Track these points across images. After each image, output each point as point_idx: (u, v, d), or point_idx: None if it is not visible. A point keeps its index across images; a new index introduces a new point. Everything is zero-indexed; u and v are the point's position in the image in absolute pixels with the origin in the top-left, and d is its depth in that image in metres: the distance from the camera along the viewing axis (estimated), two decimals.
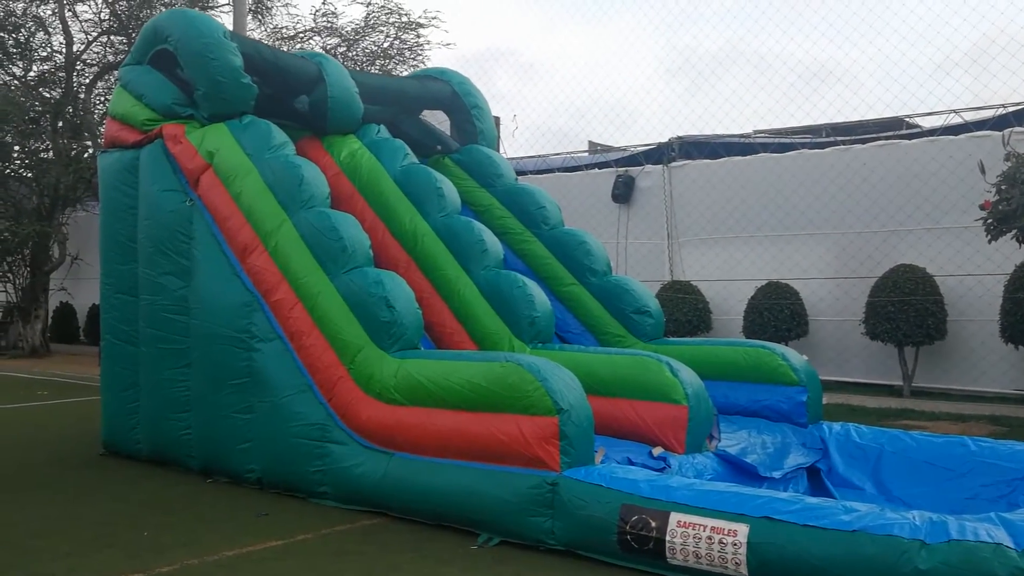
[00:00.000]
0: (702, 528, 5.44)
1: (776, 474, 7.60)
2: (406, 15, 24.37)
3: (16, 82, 23.60)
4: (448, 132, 11.32)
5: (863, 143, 15.38)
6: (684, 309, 16.13)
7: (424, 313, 8.62)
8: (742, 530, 5.31)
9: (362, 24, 24.42)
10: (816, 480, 7.95)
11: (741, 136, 17.49)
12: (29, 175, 23.16)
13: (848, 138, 15.93)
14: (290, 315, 7.61)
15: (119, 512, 7.07)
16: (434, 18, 25.34)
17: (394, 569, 5.74)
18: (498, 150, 22.49)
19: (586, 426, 6.26)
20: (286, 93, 9.69)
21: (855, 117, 16.86)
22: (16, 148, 22.91)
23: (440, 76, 11.27)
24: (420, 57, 24.55)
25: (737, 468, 7.37)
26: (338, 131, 9.56)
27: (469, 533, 6.42)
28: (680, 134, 17.96)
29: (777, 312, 15.05)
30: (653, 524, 5.61)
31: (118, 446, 9.21)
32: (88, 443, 9.68)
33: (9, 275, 22.88)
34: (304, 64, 9.57)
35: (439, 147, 10.93)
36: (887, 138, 15.11)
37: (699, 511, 5.49)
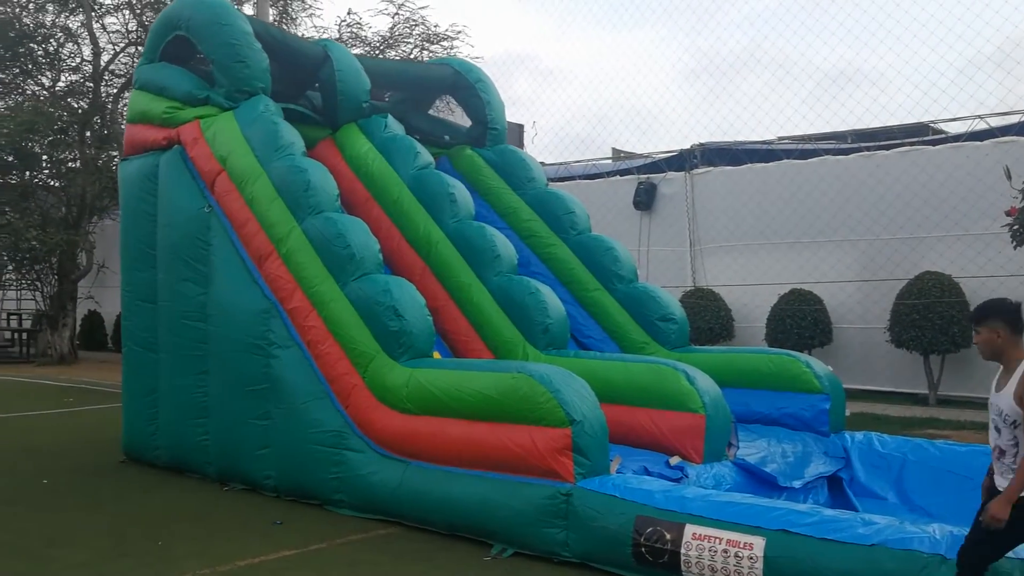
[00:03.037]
0: (718, 541, 5.35)
1: (796, 483, 7.49)
2: (433, 27, 24.42)
3: (45, 92, 23.87)
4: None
5: (887, 149, 15.19)
6: (706, 316, 15.99)
7: (439, 320, 8.62)
8: (758, 543, 5.22)
9: (388, 35, 24.49)
10: (838, 490, 7.83)
11: (764, 142, 17.33)
12: (57, 184, 23.40)
13: (872, 144, 15.75)
14: (305, 323, 7.60)
15: (135, 521, 7.07)
16: (460, 32, 25.35)
17: None
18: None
19: (600, 436, 6.19)
20: (295, 73, 9.74)
21: (880, 122, 16.64)
22: (44, 158, 23.15)
23: (442, 62, 11.44)
24: None
25: (756, 478, 7.27)
26: (348, 109, 9.53)
27: (483, 544, 6.37)
28: (702, 140, 17.84)
29: (800, 319, 14.89)
30: (668, 536, 5.53)
31: (138, 453, 9.24)
32: (109, 450, 9.71)
33: (37, 283, 23.11)
34: (310, 45, 9.82)
35: (447, 136, 10.95)
36: (911, 144, 14.91)
37: (715, 523, 5.41)
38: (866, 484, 7.83)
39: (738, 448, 7.47)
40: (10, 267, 23.77)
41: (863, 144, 15.91)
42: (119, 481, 8.58)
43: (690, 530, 5.47)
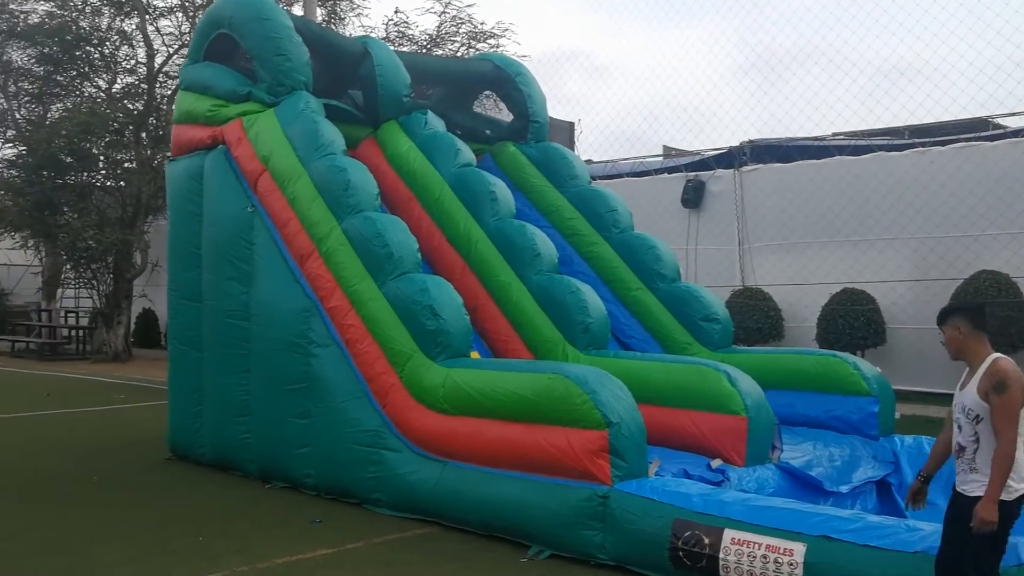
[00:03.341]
0: (757, 546, 5.24)
1: (843, 488, 7.32)
2: (480, 25, 24.41)
3: (102, 95, 24.34)
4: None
5: (943, 145, 14.82)
6: (755, 316, 15.75)
7: (479, 319, 8.59)
8: (799, 549, 5.10)
9: (434, 34, 24.55)
10: (886, 495, 7.63)
11: (815, 139, 17.01)
12: (113, 185, 23.84)
13: (928, 140, 15.37)
14: (345, 321, 7.61)
15: (178, 517, 7.14)
16: (507, 29, 25.30)
17: None
18: (572, 148, 22.46)
19: (638, 438, 6.10)
20: (336, 71, 9.78)
21: (937, 118, 16.23)
22: (101, 159, 23.60)
23: (482, 57, 11.43)
24: None
25: (801, 482, 7.11)
26: (388, 104, 9.53)
27: (520, 545, 6.32)
28: (752, 137, 17.57)
29: (853, 319, 14.58)
30: (706, 540, 5.43)
31: (183, 450, 9.35)
32: (156, 447, 9.84)
33: (93, 282, 23.56)
34: (350, 41, 9.89)
35: (488, 131, 10.90)
36: (968, 140, 14.52)
37: (754, 528, 5.30)
38: None
39: (782, 451, 7.32)
40: (68, 266, 24.30)
41: (917, 140, 15.53)
42: (164, 478, 8.68)
43: (729, 535, 5.36)
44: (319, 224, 7.86)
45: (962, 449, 4.25)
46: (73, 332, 25.46)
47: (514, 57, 26.79)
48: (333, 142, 8.15)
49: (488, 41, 24.07)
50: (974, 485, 4.15)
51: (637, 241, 9.55)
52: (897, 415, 8.54)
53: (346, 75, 9.78)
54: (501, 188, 8.87)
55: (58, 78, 25.20)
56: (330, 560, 6.08)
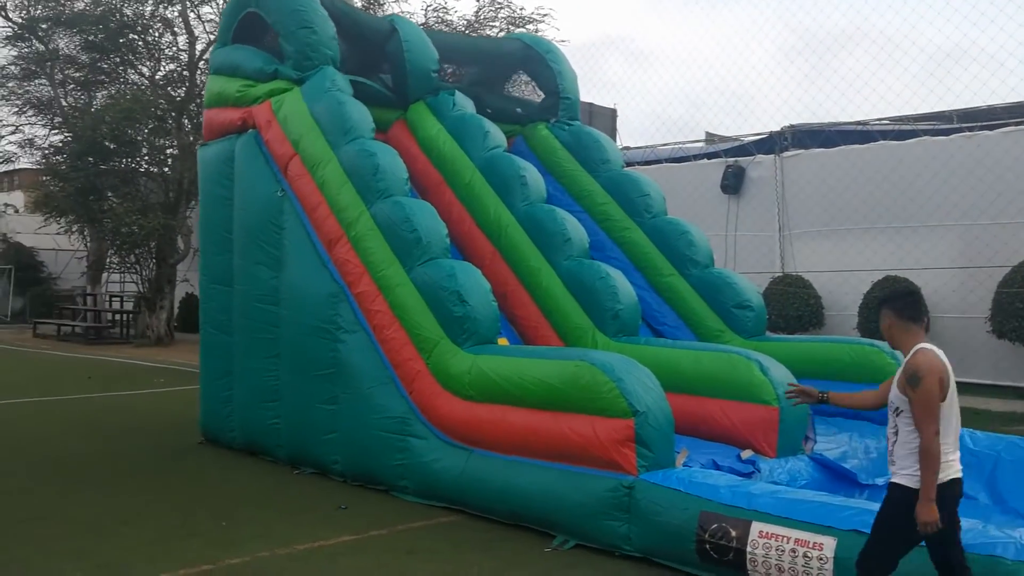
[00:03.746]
0: (785, 540, 5.10)
1: (880, 481, 7.11)
2: (519, 10, 24.28)
3: (146, 81, 24.58)
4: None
5: (990, 130, 14.41)
6: (795, 304, 15.49)
7: (509, 306, 8.51)
8: (829, 543, 4.95)
9: (473, 19, 24.46)
10: None
11: (858, 123, 16.65)
12: (156, 171, 24.09)
13: (975, 124, 14.96)
14: (372, 307, 7.56)
15: (205, 502, 7.16)
16: (546, 15, 25.14)
17: (462, 569, 5.61)
18: (613, 137, 22.22)
19: (665, 428, 5.97)
20: (365, 52, 9.73)
21: (984, 101, 15.80)
22: (144, 145, 23.84)
23: (512, 37, 11.35)
24: None
25: (835, 474, 6.96)
26: (417, 79, 9.43)
27: (546, 535, 6.24)
28: (794, 122, 17.24)
29: None
30: (734, 533, 5.30)
31: (214, 434, 9.39)
32: (190, 431, 9.88)
33: (136, 267, 23.85)
34: (377, 20, 9.89)
35: (519, 109, 10.79)
36: (1016, 124, 14.10)
37: (783, 521, 5.16)
38: None
39: (815, 442, 7.15)
40: (112, 251, 24.62)
41: (965, 124, 15.12)
42: (195, 462, 8.73)
43: (757, 528, 5.23)
44: (348, 209, 7.81)
45: (887, 440, 4.25)
46: (117, 316, 25.82)
47: (554, 42, 26.65)
48: (361, 124, 8.04)
49: (527, 26, 23.93)
50: (895, 477, 4.12)
51: (670, 226, 9.38)
52: None
53: (375, 55, 9.72)
54: (531, 172, 8.75)
55: (103, 65, 25.49)
56: (352, 547, 6.05)
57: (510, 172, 8.65)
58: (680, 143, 19.61)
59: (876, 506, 5.14)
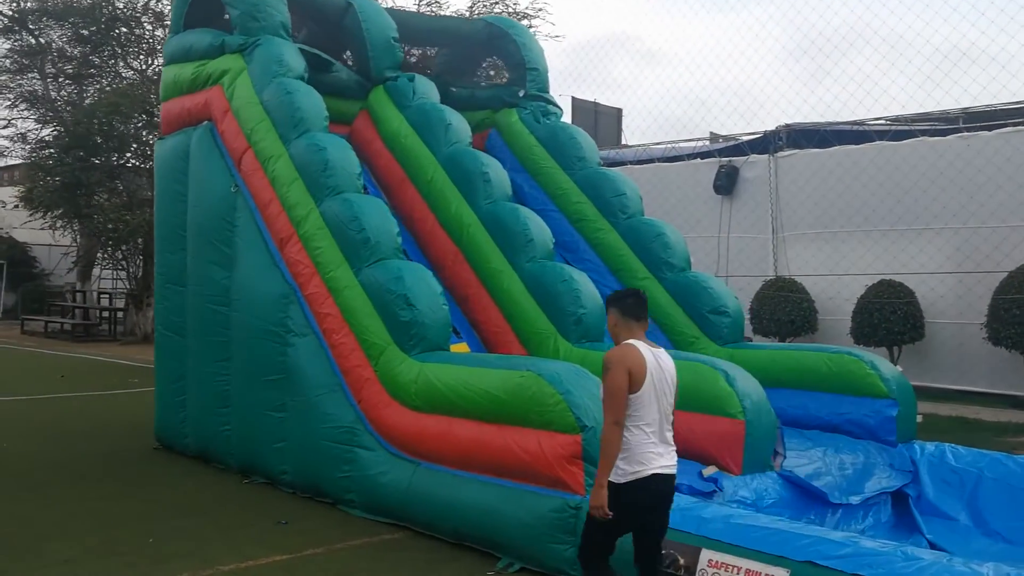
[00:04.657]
0: (736, 570, 4.69)
1: (854, 499, 6.72)
2: (514, 5, 23.84)
3: (136, 76, 24.23)
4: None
5: (989, 130, 13.94)
6: (787, 308, 15.03)
7: (471, 310, 8.12)
8: (780, 575, 4.54)
9: (468, 14, 24.06)
10: (903, 507, 7.00)
11: (853, 123, 16.18)
12: (143, 166, 23.72)
13: (977, 125, 14.48)
14: (322, 310, 7.18)
15: (141, 514, 6.78)
16: (540, 9, 24.74)
17: None
18: (619, 140, 21.76)
19: None
20: (326, 36, 9.36)
21: (992, 99, 15.25)
22: (132, 140, 23.49)
23: (476, 19, 10.97)
24: None
25: (805, 492, 6.54)
26: (378, 50, 9.01)
27: (491, 556, 5.83)
28: (792, 121, 16.78)
29: (889, 313, 13.80)
30: (682, 561, 4.89)
31: (169, 440, 9.01)
32: (149, 436, 9.47)
33: (123, 263, 23.50)
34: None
35: (489, 95, 10.45)
36: (1015, 124, 13.63)
37: (734, 549, 4.75)
38: (935, 502, 6.97)
39: (785, 457, 6.72)
40: (100, 247, 24.29)
41: (967, 125, 14.64)
42: (144, 470, 8.35)
43: (706, 556, 4.82)
44: (297, 206, 7.42)
45: None
46: (104, 314, 25.48)
47: (548, 37, 26.11)
48: (312, 116, 7.62)
49: (522, 22, 23.50)
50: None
51: (645, 227, 8.96)
52: (919, 418, 7.87)
53: (335, 38, 9.32)
54: (495, 169, 8.30)
55: (94, 59, 25.18)
56: (282, 567, 5.65)
57: (473, 168, 8.21)
58: (671, 142, 19.13)
59: (835, 535, 4.75)
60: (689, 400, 6.58)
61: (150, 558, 5.75)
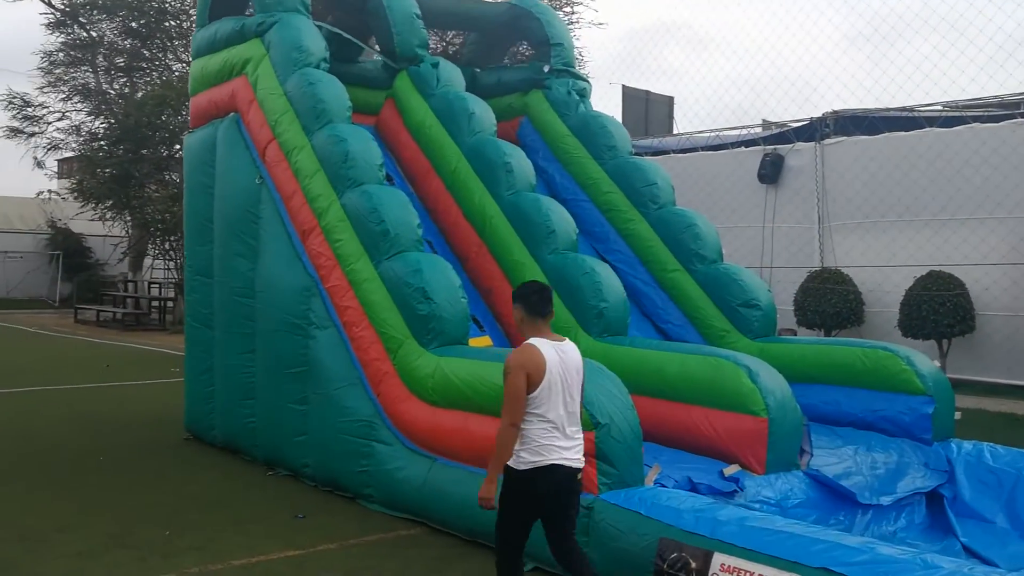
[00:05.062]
0: (748, 575, 4.51)
1: (885, 500, 6.47)
2: None
3: (185, 69, 24.51)
4: None
5: None
6: (832, 300, 14.65)
7: (494, 302, 8.01)
8: None
9: None
10: (937, 508, 6.73)
11: (903, 109, 15.69)
12: None
13: None
14: (342, 303, 7.11)
15: (160, 506, 6.79)
16: None
17: None
18: (670, 129, 21.39)
19: (631, 442, 5.39)
20: (344, 12, 9.32)
21: None
22: (181, 133, 23.77)
23: (499, 3, 10.73)
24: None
25: (833, 492, 6.31)
26: (403, 27, 8.86)
27: None
28: (849, 107, 16.31)
29: (938, 305, 13.37)
30: (693, 565, 4.72)
31: (197, 431, 9.06)
32: (182, 427, 9.55)
33: (171, 253, 23.81)
34: None
35: (506, 62, 10.33)
36: None
37: (747, 554, 4.56)
38: (971, 504, 6.68)
39: (812, 456, 6.49)
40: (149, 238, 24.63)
41: (1017, 112, 14.12)
42: (170, 461, 8.38)
43: (719, 560, 4.65)
44: (320, 198, 7.37)
45: None
46: (153, 303, 25.86)
47: (591, 24, 25.73)
48: (334, 106, 7.54)
49: (564, 9, 23.26)
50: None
51: (676, 218, 8.73)
52: (958, 415, 7.57)
53: (360, 26, 9.24)
54: (518, 159, 8.12)
55: (144, 52, 25.51)
56: (291, 563, 5.60)
57: (495, 158, 8.04)
58: (723, 129, 18.74)
59: (852, 540, 4.55)
60: (710, 397, 6.45)
61: (161, 552, 5.74)
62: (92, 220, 26.04)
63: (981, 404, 11.56)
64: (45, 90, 26.36)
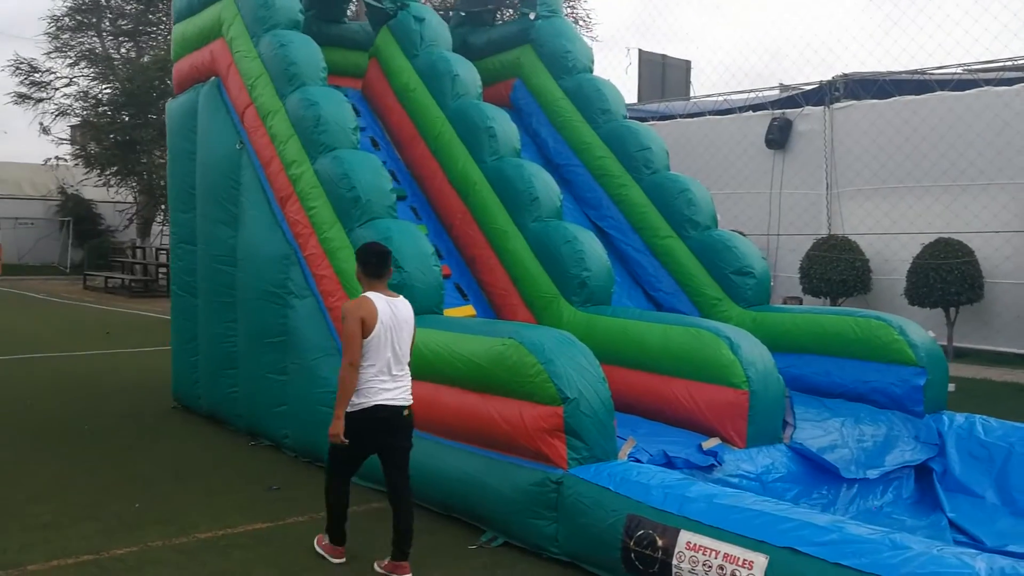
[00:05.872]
0: (714, 554, 4.37)
1: (871, 474, 6.31)
2: None
3: None
4: None
5: None
6: (839, 268, 14.40)
7: (478, 271, 7.85)
8: (759, 562, 4.21)
9: None
10: (926, 482, 6.58)
11: (914, 72, 15.30)
12: None
13: None
14: (319, 271, 6.97)
15: (135, 476, 6.72)
16: None
17: (368, 568, 5.03)
18: (687, 93, 21.00)
19: (601, 417, 5.23)
20: None
21: None
22: None
23: None
24: None
25: (817, 466, 6.15)
26: None
27: (477, 529, 5.60)
28: (846, 71, 15.97)
29: (946, 273, 13.11)
30: (660, 542, 4.59)
31: (184, 400, 8.99)
32: (170, 395, 9.49)
33: None
34: None
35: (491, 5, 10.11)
36: None
37: (714, 532, 4.43)
38: (961, 478, 6.51)
39: (795, 428, 6.33)
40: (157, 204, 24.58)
41: None
42: (154, 429, 8.31)
43: (684, 537, 4.51)
44: (294, 164, 7.20)
45: None
46: (164, 269, 25.81)
47: None
48: (307, 68, 7.34)
49: None
50: None
51: (669, 183, 8.50)
52: (951, 387, 7.37)
53: None
54: (502, 123, 7.88)
55: (150, 16, 25.32)
56: (258, 536, 5.51)
57: (478, 122, 7.81)
58: (723, 94, 18.40)
59: (821, 519, 4.41)
60: (691, 368, 6.28)
61: (128, 524, 5.66)
62: (97, 186, 25.99)
63: (987, 373, 11.35)
64: (52, 55, 26.26)
